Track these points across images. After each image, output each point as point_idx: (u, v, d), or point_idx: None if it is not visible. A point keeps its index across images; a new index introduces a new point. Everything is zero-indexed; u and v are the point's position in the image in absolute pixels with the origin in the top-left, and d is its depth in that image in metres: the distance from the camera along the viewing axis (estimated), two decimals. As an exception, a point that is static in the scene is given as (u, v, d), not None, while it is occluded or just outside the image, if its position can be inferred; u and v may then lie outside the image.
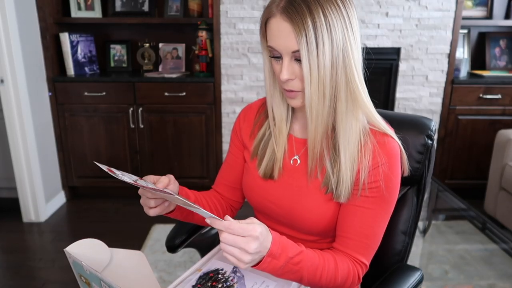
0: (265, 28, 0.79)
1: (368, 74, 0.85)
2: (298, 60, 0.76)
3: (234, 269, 0.89)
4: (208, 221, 0.71)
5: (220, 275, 0.88)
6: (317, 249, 0.84)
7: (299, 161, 0.89)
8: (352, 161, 0.81)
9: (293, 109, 0.90)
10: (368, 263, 0.86)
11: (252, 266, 0.72)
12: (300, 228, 0.89)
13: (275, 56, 0.79)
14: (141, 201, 0.85)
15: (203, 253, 1.19)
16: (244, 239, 0.67)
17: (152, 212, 0.84)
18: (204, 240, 1.21)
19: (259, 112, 0.98)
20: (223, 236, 0.68)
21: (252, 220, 0.72)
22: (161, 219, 2.58)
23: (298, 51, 0.74)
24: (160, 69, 2.94)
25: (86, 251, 0.86)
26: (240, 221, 0.70)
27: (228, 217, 0.70)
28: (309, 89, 0.75)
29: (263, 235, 0.69)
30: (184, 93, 2.64)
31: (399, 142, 0.84)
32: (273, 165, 0.90)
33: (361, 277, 0.85)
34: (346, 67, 0.76)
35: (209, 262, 0.93)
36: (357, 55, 0.78)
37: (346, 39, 0.75)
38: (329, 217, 0.86)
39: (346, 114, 0.79)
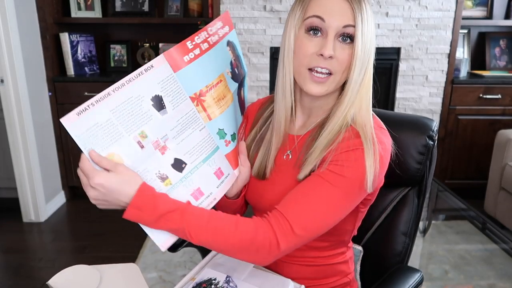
0: (308, 2, 0.78)
1: (375, 73, 0.86)
2: (343, 40, 0.76)
3: (227, 279, 0.89)
4: None
5: (213, 286, 0.87)
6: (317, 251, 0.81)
7: (290, 156, 0.88)
8: (325, 145, 0.79)
9: (294, 107, 0.89)
10: (298, 233, 0.73)
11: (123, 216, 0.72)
12: None
13: (314, 27, 0.76)
14: None
15: (203, 252, 1.19)
16: (86, 182, 0.70)
17: None
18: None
19: (259, 110, 0.98)
20: (78, 168, 0.70)
21: (116, 167, 0.69)
22: (161, 219, 2.58)
23: (349, 26, 0.75)
24: (160, 69, 2.94)
25: (71, 280, 0.85)
26: (105, 163, 0.68)
27: (93, 154, 0.67)
28: (358, 69, 0.77)
29: (106, 188, 0.68)
30: (184, 93, 2.63)
31: (372, 152, 0.75)
32: (266, 162, 0.89)
33: (280, 240, 0.73)
34: (369, 60, 0.79)
35: (203, 271, 0.92)
36: (374, 54, 0.81)
37: (374, 35, 0.79)
38: None
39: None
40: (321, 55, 0.75)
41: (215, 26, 0.74)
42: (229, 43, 0.78)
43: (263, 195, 0.91)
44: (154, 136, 0.71)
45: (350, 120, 0.80)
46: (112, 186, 0.68)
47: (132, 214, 0.71)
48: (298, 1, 0.80)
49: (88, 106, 0.65)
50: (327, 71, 0.77)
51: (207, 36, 0.72)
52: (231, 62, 0.79)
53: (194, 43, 0.71)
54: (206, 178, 0.80)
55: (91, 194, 0.70)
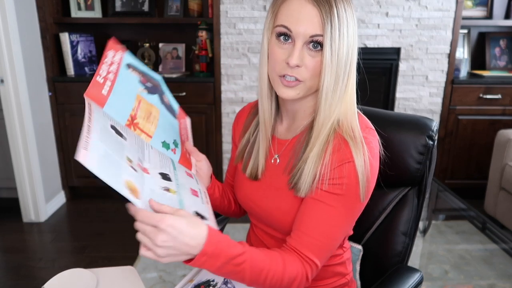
0: (278, 8, 0.77)
1: (363, 73, 0.85)
2: (312, 47, 0.74)
3: (225, 280, 0.89)
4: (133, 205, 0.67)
5: (211, 287, 0.87)
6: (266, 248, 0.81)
7: (278, 160, 0.89)
8: (317, 156, 0.79)
9: (278, 110, 0.90)
10: (320, 264, 0.79)
11: (185, 262, 0.68)
12: (279, 228, 0.88)
13: (283, 33, 0.76)
14: None
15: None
16: (152, 230, 0.63)
17: None
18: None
19: (249, 115, 0.99)
20: (136, 223, 0.64)
21: (178, 211, 0.66)
22: (161, 219, 2.58)
23: (316, 35, 0.73)
24: (160, 69, 2.94)
25: (67, 284, 0.85)
26: (167, 209, 0.66)
27: (152, 202, 0.65)
28: (328, 77, 0.75)
29: (177, 229, 0.63)
30: (184, 93, 2.64)
31: (362, 161, 0.76)
32: (257, 165, 0.90)
33: (310, 277, 0.79)
34: (351, 64, 0.78)
35: (201, 273, 0.92)
36: (356, 56, 0.79)
37: (354, 38, 0.77)
38: None
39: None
40: (288, 63, 0.75)
41: (108, 57, 0.78)
42: (129, 66, 0.82)
43: (251, 196, 0.91)
44: (135, 159, 0.72)
45: (336, 127, 0.79)
46: (182, 227, 0.64)
47: (198, 260, 0.67)
48: (270, 6, 0.80)
49: (86, 139, 0.63)
50: (294, 79, 0.77)
51: (108, 67, 0.76)
52: (139, 80, 0.84)
53: (102, 76, 0.75)
54: (187, 179, 0.84)
55: (160, 239, 0.63)
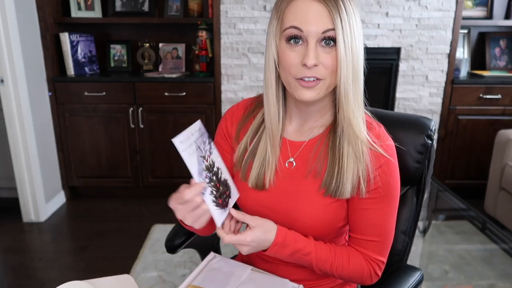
0: (283, 12, 0.76)
1: (367, 74, 0.85)
2: (325, 44, 0.74)
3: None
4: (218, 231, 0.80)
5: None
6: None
7: (294, 164, 0.86)
8: (356, 158, 0.80)
9: (285, 110, 0.88)
10: (385, 260, 0.88)
11: (262, 252, 0.84)
12: (300, 231, 0.85)
13: (294, 36, 0.74)
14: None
15: (202, 253, 1.19)
16: (238, 245, 0.80)
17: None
18: (204, 241, 1.21)
19: (243, 116, 0.93)
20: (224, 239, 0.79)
21: (256, 220, 0.82)
22: (161, 219, 2.58)
23: (328, 30, 0.72)
24: (160, 69, 2.94)
25: None
26: (243, 218, 0.81)
27: (232, 211, 0.80)
28: (345, 71, 0.74)
29: (256, 241, 0.80)
30: (184, 93, 2.64)
31: (394, 152, 0.85)
32: (264, 172, 0.86)
33: (378, 272, 0.87)
34: (361, 58, 0.78)
35: (199, 277, 0.91)
36: (362, 51, 0.79)
37: (361, 31, 0.77)
38: (329, 220, 0.84)
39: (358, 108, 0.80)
40: (305, 65, 0.73)
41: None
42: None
43: (263, 204, 0.88)
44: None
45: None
46: (260, 237, 0.80)
47: (271, 250, 0.82)
48: (274, 11, 0.78)
49: None
50: (314, 78, 0.75)
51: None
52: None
53: None
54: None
55: (244, 250, 0.80)
